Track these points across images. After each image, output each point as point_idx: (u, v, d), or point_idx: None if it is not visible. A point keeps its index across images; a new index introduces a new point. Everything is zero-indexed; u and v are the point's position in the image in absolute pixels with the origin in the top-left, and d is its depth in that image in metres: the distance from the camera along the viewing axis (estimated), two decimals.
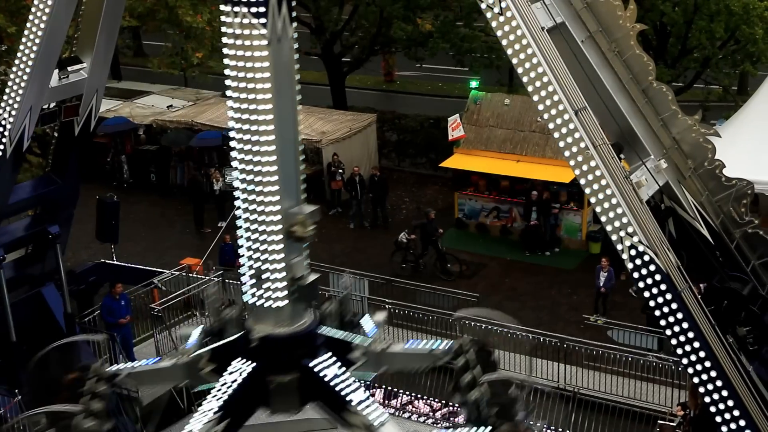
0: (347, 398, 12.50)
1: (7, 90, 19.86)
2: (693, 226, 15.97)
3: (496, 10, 14.58)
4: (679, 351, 15.08)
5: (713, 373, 14.95)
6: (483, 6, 14.73)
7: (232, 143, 12.10)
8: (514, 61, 14.74)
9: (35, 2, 19.35)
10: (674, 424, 20.91)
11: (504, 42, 14.74)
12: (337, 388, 12.57)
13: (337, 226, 35.95)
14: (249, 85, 11.72)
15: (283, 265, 12.34)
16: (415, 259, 31.89)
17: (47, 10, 19.22)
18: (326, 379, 12.67)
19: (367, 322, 13.93)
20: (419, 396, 24.97)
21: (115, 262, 28.56)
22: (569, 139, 14.69)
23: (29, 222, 22.99)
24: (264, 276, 12.32)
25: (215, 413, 12.35)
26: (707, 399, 15.11)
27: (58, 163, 22.62)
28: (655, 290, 14.84)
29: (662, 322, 14.97)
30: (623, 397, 23.53)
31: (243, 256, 12.48)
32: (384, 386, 25.28)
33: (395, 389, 25.11)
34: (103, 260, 28.25)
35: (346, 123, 38.99)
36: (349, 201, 36.64)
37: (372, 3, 42.24)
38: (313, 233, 12.29)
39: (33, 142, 24.53)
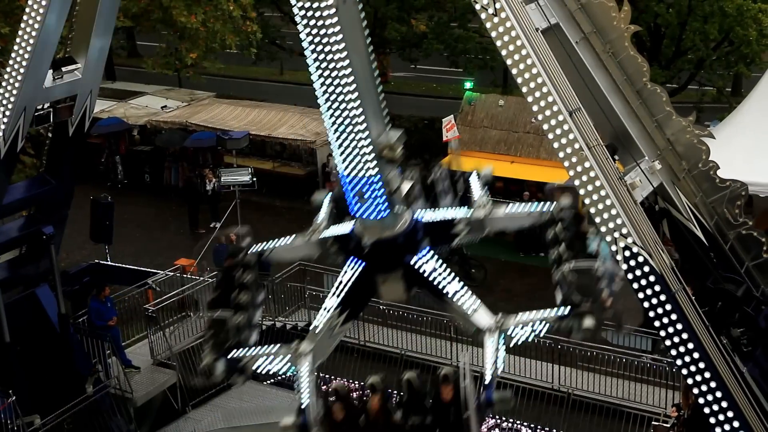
0: (444, 290, 14.38)
1: (0, 90, 19.80)
2: (687, 228, 15.99)
3: (491, 10, 14.58)
4: (674, 352, 15.08)
5: (707, 374, 14.95)
6: (477, 7, 14.72)
7: (318, 93, 13.48)
8: (509, 62, 14.73)
9: (29, 2, 19.31)
10: (668, 426, 20.91)
11: (498, 43, 14.73)
12: (435, 282, 14.45)
13: None
14: (326, 48, 13.13)
15: (380, 184, 13.95)
16: None
17: (41, 11, 19.18)
18: (425, 274, 14.49)
19: (475, 181, 15.98)
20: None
21: (109, 263, 28.51)
22: (564, 140, 14.69)
23: (23, 222, 22.92)
24: (365, 196, 14.03)
25: (335, 309, 14.57)
26: (701, 400, 15.12)
27: (52, 164, 22.57)
28: (649, 291, 14.85)
29: (656, 323, 14.97)
30: (617, 398, 23.53)
31: (344, 181, 14.17)
32: None
33: (389, 390, 25.07)
34: (97, 261, 28.20)
35: None
36: None
37: (366, 4, 42.18)
38: (403, 154, 13.88)
39: (27, 142, 24.51)
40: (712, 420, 15.12)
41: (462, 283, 14.44)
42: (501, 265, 32.67)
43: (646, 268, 14.74)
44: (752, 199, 23.80)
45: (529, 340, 14.18)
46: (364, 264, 14.76)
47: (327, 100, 13.50)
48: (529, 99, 14.78)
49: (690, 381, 15.13)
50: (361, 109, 13.44)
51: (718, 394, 15.00)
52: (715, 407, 15.06)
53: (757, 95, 30.06)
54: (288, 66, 54.74)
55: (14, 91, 19.66)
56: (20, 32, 19.51)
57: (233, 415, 22.48)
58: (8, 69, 19.71)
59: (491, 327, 13.91)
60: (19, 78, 19.59)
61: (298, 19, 13.19)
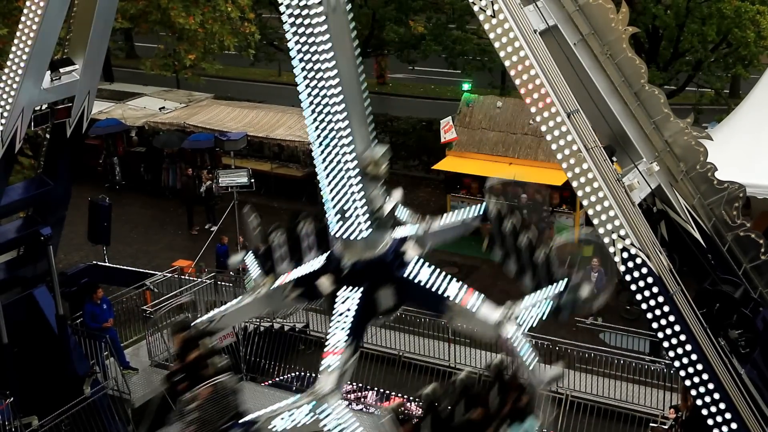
0: (445, 294, 13.80)
1: None
2: (685, 229, 15.99)
3: (489, 12, 14.58)
4: (671, 354, 15.07)
5: (705, 376, 14.95)
6: (476, 8, 14.71)
7: (304, 105, 13.32)
8: (507, 63, 14.72)
9: (28, 3, 19.31)
10: (666, 427, 20.91)
11: (497, 44, 14.72)
12: (434, 289, 13.83)
13: None
14: (314, 57, 13.14)
15: (363, 201, 13.59)
16: None
17: (39, 12, 19.17)
18: (422, 283, 13.91)
19: (400, 209, 15.30)
20: (410, 398, 24.96)
21: (107, 264, 28.51)
22: (562, 142, 14.68)
23: (21, 224, 22.91)
24: (347, 214, 13.63)
25: (346, 342, 13.58)
26: (699, 402, 15.11)
27: (50, 165, 22.56)
28: (647, 293, 14.84)
29: (654, 325, 14.96)
30: (615, 400, 23.53)
31: (326, 198, 13.74)
32: (376, 388, 25.29)
33: (387, 391, 25.12)
34: (95, 262, 28.19)
35: None
36: None
37: (364, 5, 42.25)
38: (387, 171, 13.63)
39: (25, 143, 24.51)
40: (710, 421, 15.11)
41: (460, 282, 14.02)
42: (498, 266, 32.54)
43: (644, 270, 14.73)
44: (750, 201, 23.83)
45: (536, 323, 14.09)
46: (361, 289, 14.01)
47: (312, 111, 13.30)
48: (527, 101, 14.77)
49: (688, 382, 15.12)
50: (347, 122, 13.20)
51: (716, 396, 14.99)
52: (713, 409, 15.05)
53: (754, 97, 30.08)
54: (286, 67, 54.52)
55: (12, 93, 19.66)
56: (18, 33, 19.50)
57: None
58: (6, 70, 19.72)
59: (502, 319, 13.75)
60: (17, 79, 19.60)
61: (286, 26, 13.14)
